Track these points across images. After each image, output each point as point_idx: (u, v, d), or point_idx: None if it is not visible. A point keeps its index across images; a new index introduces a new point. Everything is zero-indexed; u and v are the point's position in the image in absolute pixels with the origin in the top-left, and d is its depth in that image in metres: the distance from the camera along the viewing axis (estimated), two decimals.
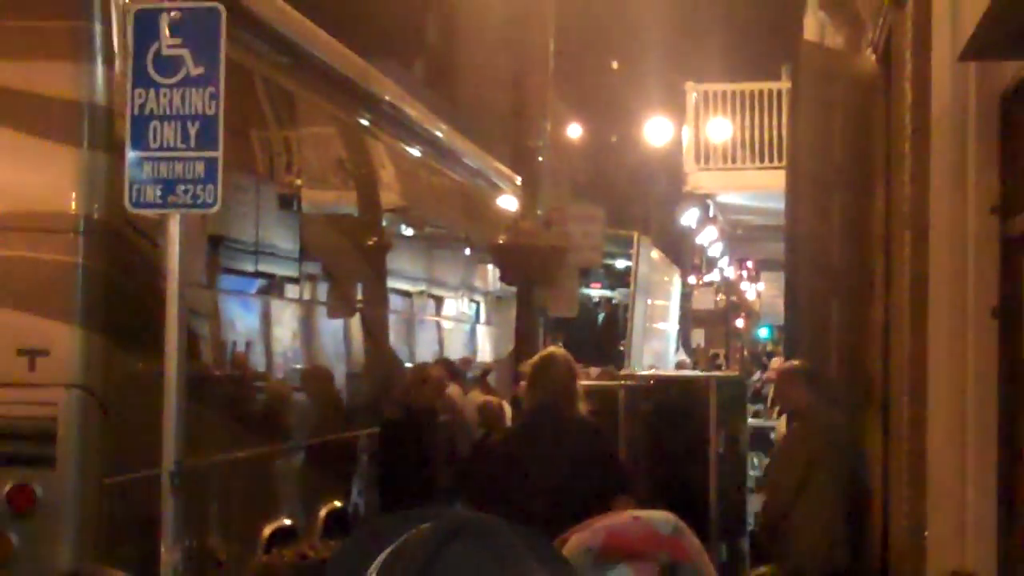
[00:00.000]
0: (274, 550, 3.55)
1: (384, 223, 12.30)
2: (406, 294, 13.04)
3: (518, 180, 17.64)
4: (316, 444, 9.91)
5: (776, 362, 12.87)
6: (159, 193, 6.59)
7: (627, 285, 27.05)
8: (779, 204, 15.95)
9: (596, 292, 29.55)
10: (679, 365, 29.50)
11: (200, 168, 6.55)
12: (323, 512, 9.85)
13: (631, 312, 25.93)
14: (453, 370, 13.14)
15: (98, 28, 7.07)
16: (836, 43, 13.03)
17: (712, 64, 28.75)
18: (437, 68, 23.47)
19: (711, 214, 30.53)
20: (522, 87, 17.91)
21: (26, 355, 6.90)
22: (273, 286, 9.50)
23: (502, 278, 16.85)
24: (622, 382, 11.50)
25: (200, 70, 6.54)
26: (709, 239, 35.55)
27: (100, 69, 7.07)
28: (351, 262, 11.29)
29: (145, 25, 6.58)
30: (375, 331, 11.75)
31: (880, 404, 9.38)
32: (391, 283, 12.30)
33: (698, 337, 40.71)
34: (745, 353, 40.31)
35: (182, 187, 6.56)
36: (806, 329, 10.67)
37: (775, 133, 21.46)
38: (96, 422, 6.97)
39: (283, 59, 9.64)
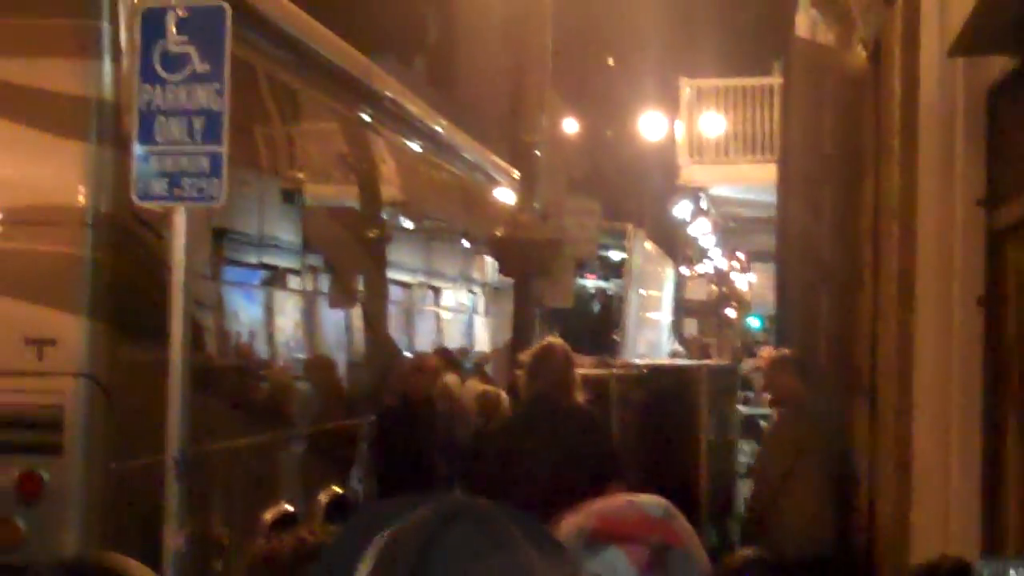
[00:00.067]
0: (274, 534, 3.66)
1: (385, 216, 12.41)
2: (406, 285, 13.13)
3: (516, 174, 17.75)
4: (317, 432, 9.98)
5: (765, 351, 12.95)
6: (165, 187, 6.70)
7: (621, 276, 27.15)
8: (771, 197, 16.06)
9: (591, 283, 29.64)
10: (674, 354, 29.64)
11: (205, 162, 6.63)
12: (324, 499, 9.96)
13: (625, 303, 26.02)
14: (451, 359, 13.22)
15: (106, 26, 7.15)
16: (827, 40, 13.12)
17: (705, 60, 28.79)
18: (437, 65, 23.55)
19: (704, 207, 30.61)
20: (520, 84, 18.00)
21: (34, 345, 6.95)
22: (275, 277, 9.59)
23: (500, 270, 16.98)
24: (613, 370, 11.58)
25: (206, 67, 6.62)
26: (702, 231, 35.61)
27: (108, 66, 7.14)
28: (352, 254, 11.38)
29: (152, 23, 6.67)
30: (375, 321, 11.83)
31: (867, 392, 9.45)
32: (391, 275, 12.38)
33: (691, 327, 40.80)
34: (738, 343, 40.39)
35: (188, 181, 6.64)
36: (796, 319, 10.76)
37: (767, 128, 21.56)
38: (102, 410, 7.03)
39: (286, 56, 9.75)
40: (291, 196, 9.76)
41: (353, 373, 11.11)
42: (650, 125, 29.62)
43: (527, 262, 16.88)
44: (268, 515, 8.82)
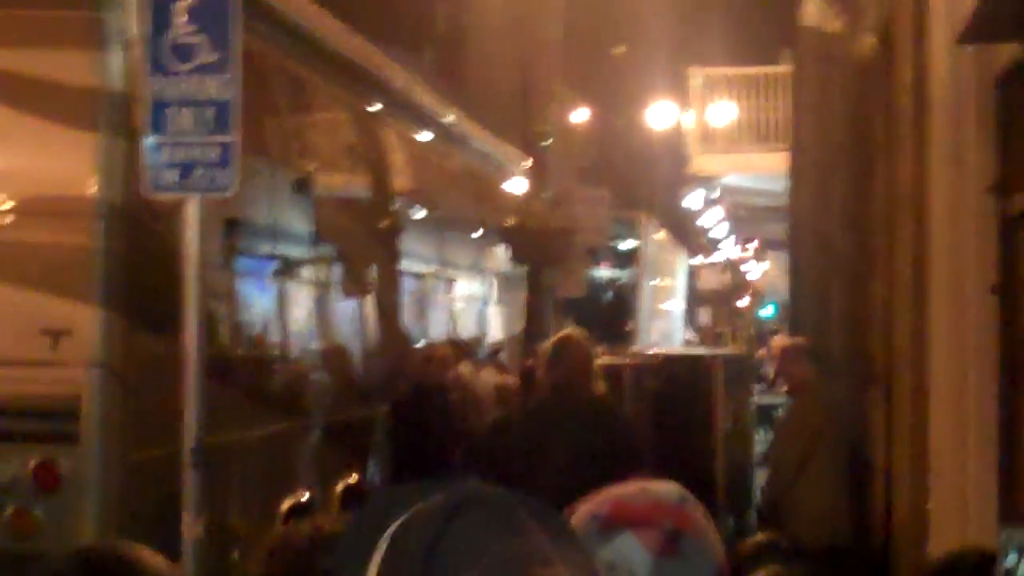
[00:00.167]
0: (290, 523, 3.67)
1: (396, 206, 12.42)
2: (418, 275, 13.16)
3: (526, 163, 17.77)
4: (332, 422, 10.02)
5: (777, 339, 12.93)
6: (176, 177, 6.70)
7: (634, 265, 27.16)
8: (782, 186, 16.07)
9: (604, 272, 29.66)
10: (687, 343, 29.69)
11: (217, 153, 6.65)
12: (339, 488, 9.99)
13: (638, 292, 26.04)
14: (463, 348, 13.24)
15: (115, 17, 7.19)
16: (836, 28, 13.11)
17: (715, 49, 28.78)
18: (447, 55, 23.54)
19: (715, 196, 30.60)
20: (530, 73, 18.05)
21: (49, 335, 7.01)
22: (288, 267, 9.61)
23: (511, 259, 17.00)
24: (627, 360, 11.58)
25: (216, 56, 6.63)
26: (713, 220, 35.60)
27: (118, 56, 7.18)
28: (364, 244, 11.41)
29: (161, 13, 6.67)
30: (388, 310, 11.86)
31: (882, 380, 9.45)
32: (404, 265, 12.41)
33: (704, 316, 40.82)
34: (751, 331, 40.39)
35: (199, 171, 6.64)
36: (810, 307, 10.77)
37: (777, 116, 21.55)
38: (118, 400, 7.07)
39: (296, 46, 9.76)
40: (303, 186, 9.77)
41: (367, 362, 11.13)
42: (660, 114, 29.60)
43: (538, 250, 16.92)
44: (285, 504, 8.84)
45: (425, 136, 13.71)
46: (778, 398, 15.40)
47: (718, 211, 33.57)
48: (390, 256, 12.00)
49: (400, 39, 19.06)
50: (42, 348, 7.00)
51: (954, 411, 6.91)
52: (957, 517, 6.80)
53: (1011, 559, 2.21)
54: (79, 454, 7.00)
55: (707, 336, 35.57)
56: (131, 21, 7.19)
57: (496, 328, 16.41)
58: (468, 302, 15.25)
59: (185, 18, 6.63)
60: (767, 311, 42.15)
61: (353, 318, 11.02)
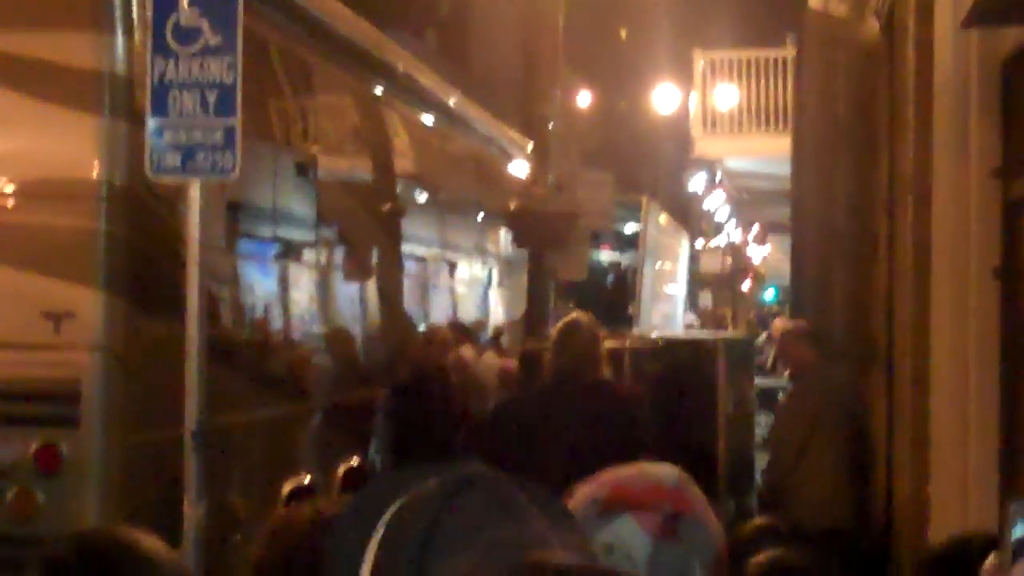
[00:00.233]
0: (292, 505, 3.68)
1: (399, 189, 12.42)
2: (421, 258, 13.16)
3: (529, 146, 17.75)
4: (334, 405, 10.04)
5: (778, 323, 12.96)
6: (179, 160, 6.72)
7: (636, 249, 27.13)
8: (785, 169, 16.06)
9: (606, 256, 29.64)
10: (689, 326, 29.72)
11: (219, 135, 6.67)
12: (341, 471, 10.00)
13: (640, 275, 26.02)
14: (465, 332, 13.24)
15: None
16: (840, 11, 13.10)
17: (719, 32, 28.75)
18: (449, 37, 23.53)
19: (718, 179, 30.59)
20: (533, 56, 18.02)
21: (51, 318, 7.02)
22: (291, 250, 9.62)
23: (514, 242, 16.99)
24: (628, 343, 11.57)
25: (218, 39, 6.65)
26: (716, 203, 35.58)
27: (120, 39, 7.16)
28: (367, 227, 11.40)
29: None
30: (390, 293, 11.87)
31: (884, 364, 9.45)
32: (406, 248, 12.41)
33: (705, 299, 40.84)
34: (752, 316, 40.41)
35: (201, 154, 6.68)
36: (812, 291, 10.77)
37: (781, 100, 21.54)
38: (120, 383, 7.08)
39: (298, 28, 9.75)
40: (305, 169, 9.77)
41: (368, 345, 11.14)
42: (664, 97, 29.59)
43: (541, 234, 16.92)
44: (286, 487, 8.86)
45: (428, 119, 13.70)
46: (780, 381, 15.43)
47: (720, 195, 33.57)
48: (392, 239, 12.00)
49: (403, 21, 19.05)
50: (44, 331, 7.01)
51: (955, 395, 6.90)
52: (958, 501, 6.79)
53: (1020, 529, 2.21)
54: (81, 437, 7.01)
55: (709, 319, 35.56)
56: (134, 3, 7.19)
57: (498, 312, 16.41)
58: (470, 285, 15.26)
59: (188, 1, 6.63)
60: (769, 295, 42.19)
61: (355, 301, 11.03)
